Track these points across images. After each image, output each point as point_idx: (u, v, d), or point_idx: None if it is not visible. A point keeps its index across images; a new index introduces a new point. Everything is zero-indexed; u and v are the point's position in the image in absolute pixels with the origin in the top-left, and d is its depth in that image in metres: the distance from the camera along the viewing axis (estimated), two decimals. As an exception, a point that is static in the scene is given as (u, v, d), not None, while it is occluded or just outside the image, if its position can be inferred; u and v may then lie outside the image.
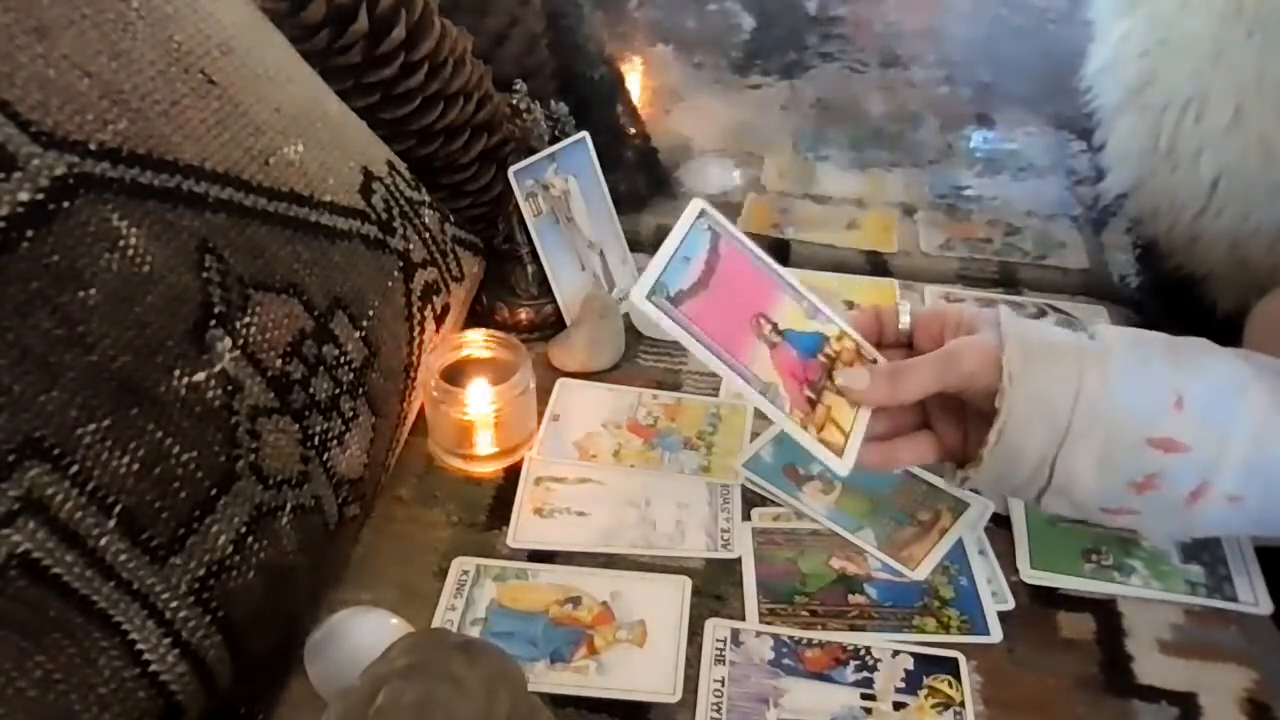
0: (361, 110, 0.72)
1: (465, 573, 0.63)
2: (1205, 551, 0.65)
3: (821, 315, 0.58)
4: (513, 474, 0.70)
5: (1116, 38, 0.89)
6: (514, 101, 0.80)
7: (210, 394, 0.50)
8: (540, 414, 0.75)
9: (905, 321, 0.59)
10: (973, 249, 1.00)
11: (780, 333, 0.56)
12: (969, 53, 1.09)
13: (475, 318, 0.84)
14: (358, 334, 0.62)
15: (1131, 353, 0.53)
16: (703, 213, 0.55)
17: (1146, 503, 0.54)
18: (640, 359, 0.82)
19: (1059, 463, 0.53)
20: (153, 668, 0.48)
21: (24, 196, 0.43)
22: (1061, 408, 0.52)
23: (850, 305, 0.89)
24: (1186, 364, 0.53)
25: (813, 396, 0.55)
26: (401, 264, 0.69)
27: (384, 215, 0.68)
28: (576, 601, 0.61)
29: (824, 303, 0.59)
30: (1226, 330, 0.66)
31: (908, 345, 0.59)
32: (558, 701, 0.55)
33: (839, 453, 0.55)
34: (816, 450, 0.54)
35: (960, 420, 0.58)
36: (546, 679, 0.56)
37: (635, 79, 1.08)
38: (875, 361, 0.58)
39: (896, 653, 0.58)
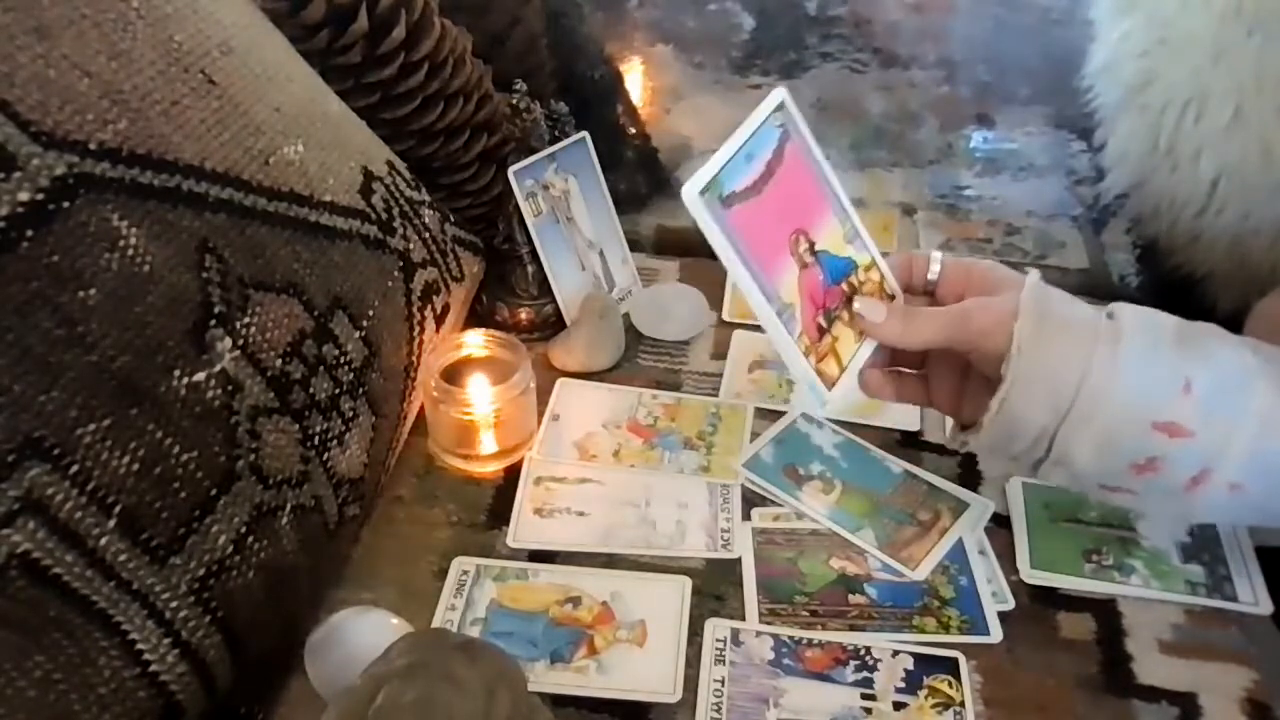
0: (361, 110, 0.72)
1: (465, 573, 0.63)
2: (1205, 551, 0.65)
3: (859, 242, 0.58)
4: (513, 474, 0.70)
5: (1116, 38, 0.89)
6: (514, 101, 0.80)
7: (210, 394, 0.50)
8: (540, 414, 0.75)
9: (935, 271, 0.58)
10: (973, 249, 1.00)
11: (815, 254, 0.55)
12: (969, 53, 1.08)
13: (475, 318, 0.84)
14: (358, 334, 0.62)
15: (1143, 336, 0.53)
16: (781, 105, 0.54)
17: (1146, 484, 0.54)
18: (640, 359, 0.82)
19: (1058, 439, 0.53)
20: (153, 668, 0.48)
21: (24, 196, 0.43)
22: (1066, 387, 0.52)
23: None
24: (1196, 350, 0.53)
25: (824, 325, 0.55)
26: (401, 264, 0.69)
27: (384, 215, 0.68)
28: (576, 601, 0.61)
29: (864, 228, 0.58)
30: (1226, 330, 0.66)
31: (931, 294, 0.59)
32: (558, 701, 0.55)
33: (831, 385, 0.55)
34: (809, 379, 0.54)
35: (957, 377, 0.58)
36: (546, 679, 0.56)
37: (635, 79, 1.08)
38: (894, 298, 0.58)
39: (896, 653, 0.58)
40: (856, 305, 0.56)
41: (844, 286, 0.56)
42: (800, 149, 0.55)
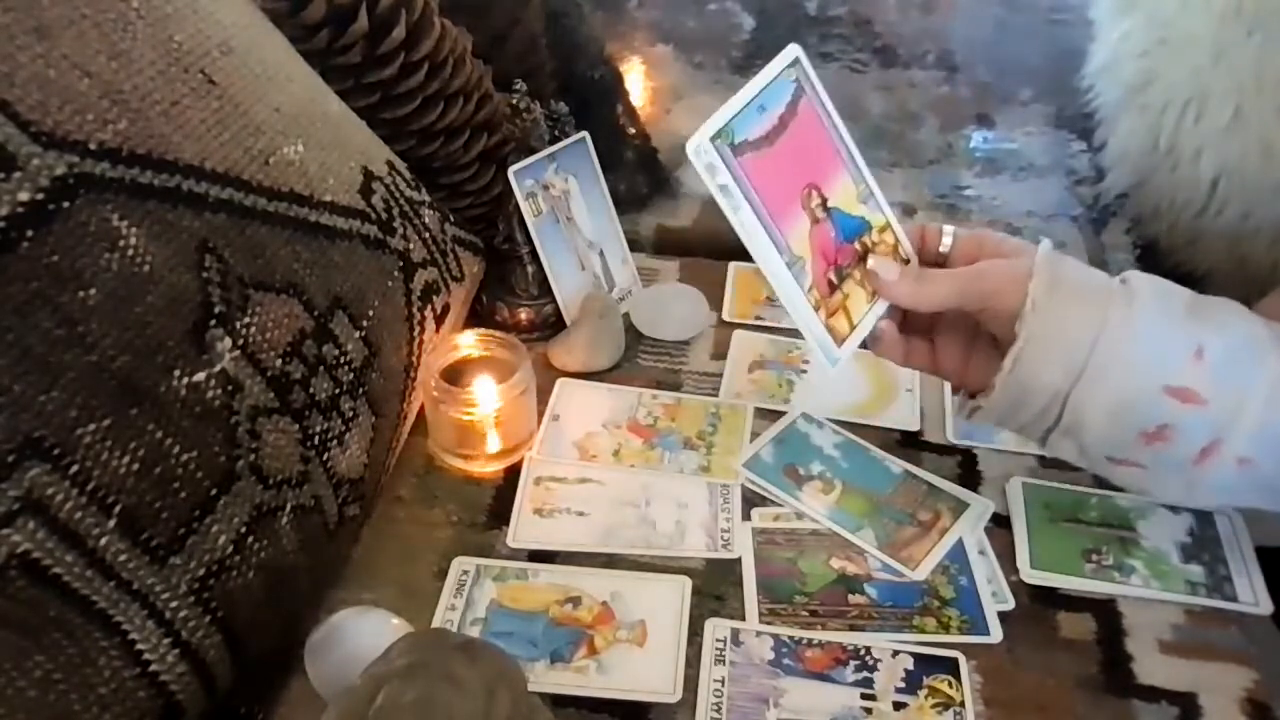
0: (361, 110, 0.72)
1: (465, 573, 0.63)
2: (1205, 551, 0.65)
3: (873, 202, 0.57)
4: (513, 474, 0.70)
5: (1116, 37, 0.89)
6: (514, 101, 0.80)
7: (210, 394, 0.50)
8: (540, 414, 0.75)
9: (947, 243, 0.58)
10: (973, 249, 1.00)
11: (827, 209, 0.55)
12: (969, 53, 1.09)
13: (475, 318, 0.84)
14: (358, 334, 0.63)
15: (1157, 301, 0.53)
16: (795, 61, 0.54)
17: (1154, 456, 0.53)
18: (640, 359, 0.82)
19: (1071, 401, 0.52)
20: (153, 668, 0.48)
21: (24, 196, 0.43)
22: (1081, 345, 0.52)
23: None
24: (1209, 318, 0.53)
25: (834, 281, 0.55)
26: (401, 264, 0.69)
27: (384, 215, 0.68)
28: (576, 601, 0.61)
29: (879, 190, 0.58)
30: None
31: (942, 267, 0.59)
32: (558, 701, 0.55)
33: (840, 342, 0.55)
34: (818, 333, 0.54)
35: (965, 344, 0.58)
36: (546, 679, 0.56)
37: (635, 79, 1.08)
38: (909, 261, 0.58)
39: (896, 653, 0.58)
40: (870, 263, 0.56)
41: (857, 245, 0.56)
42: (814, 106, 0.55)
